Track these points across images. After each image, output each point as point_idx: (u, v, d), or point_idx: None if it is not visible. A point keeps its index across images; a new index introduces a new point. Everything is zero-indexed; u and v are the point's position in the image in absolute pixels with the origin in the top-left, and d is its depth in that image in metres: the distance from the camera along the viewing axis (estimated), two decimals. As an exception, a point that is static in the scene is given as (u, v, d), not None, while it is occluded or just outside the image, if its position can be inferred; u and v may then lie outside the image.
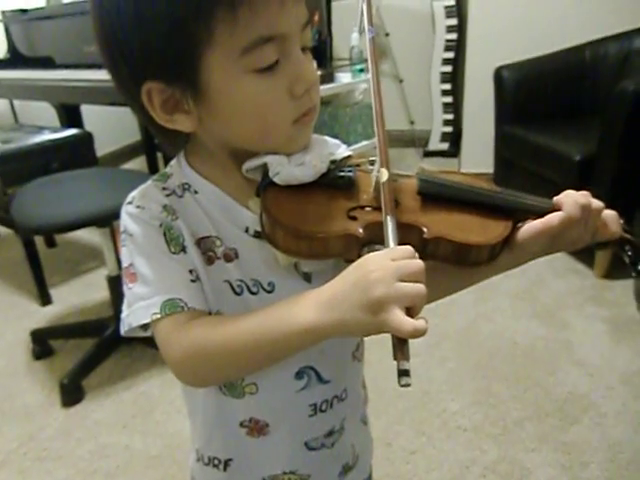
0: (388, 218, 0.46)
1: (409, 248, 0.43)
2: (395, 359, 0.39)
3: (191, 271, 0.51)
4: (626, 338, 1.74)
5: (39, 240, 2.42)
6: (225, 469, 0.61)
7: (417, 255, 0.43)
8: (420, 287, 0.41)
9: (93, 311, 2.06)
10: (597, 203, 0.51)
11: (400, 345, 0.40)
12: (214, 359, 0.48)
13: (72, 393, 1.62)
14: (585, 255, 2.15)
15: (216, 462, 0.61)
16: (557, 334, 1.78)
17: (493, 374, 1.62)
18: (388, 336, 0.41)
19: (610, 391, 1.52)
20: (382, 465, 1.32)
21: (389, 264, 0.41)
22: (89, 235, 2.54)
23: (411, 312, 0.40)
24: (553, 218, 0.49)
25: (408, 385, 0.38)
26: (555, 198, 0.52)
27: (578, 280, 2.08)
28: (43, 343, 1.84)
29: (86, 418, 1.55)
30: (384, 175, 0.48)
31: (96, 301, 2.13)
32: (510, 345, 1.74)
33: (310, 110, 0.50)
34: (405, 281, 0.40)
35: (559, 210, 0.50)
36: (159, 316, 0.48)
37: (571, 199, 0.50)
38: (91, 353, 1.70)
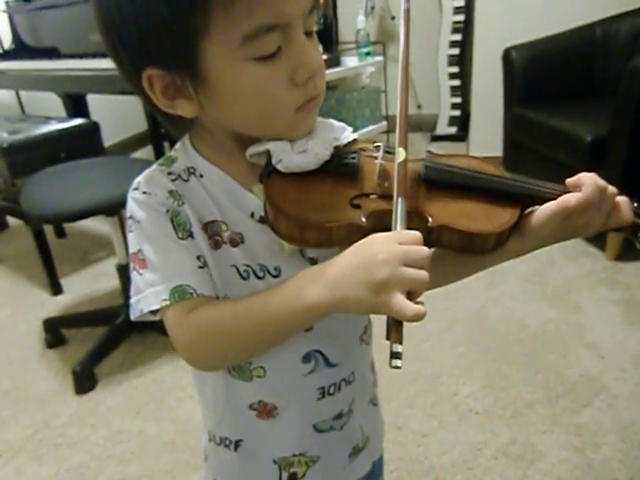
0: (399, 200, 0.45)
1: (417, 234, 0.43)
2: (388, 339, 0.40)
3: (199, 257, 0.51)
4: (638, 320, 1.72)
5: (49, 230, 2.43)
6: (236, 449, 0.62)
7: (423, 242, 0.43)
8: (423, 274, 0.41)
9: (104, 300, 2.08)
10: (611, 187, 0.50)
11: (396, 327, 0.40)
12: (221, 340, 0.49)
13: (85, 381, 1.63)
14: (596, 237, 2.12)
15: (227, 442, 0.62)
16: (568, 317, 1.77)
17: (504, 357, 1.61)
18: None
19: (622, 373, 1.51)
20: (394, 448, 1.32)
21: (396, 247, 0.42)
22: (98, 225, 2.55)
23: (411, 296, 0.41)
24: (570, 199, 0.48)
25: (398, 367, 0.39)
26: (569, 180, 0.50)
27: (589, 262, 2.06)
28: (55, 332, 1.86)
29: (99, 405, 1.57)
30: (401, 155, 0.47)
31: (106, 290, 2.14)
32: (521, 328, 1.73)
33: (315, 97, 0.50)
34: (409, 266, 0.41)
35: (571, 193, 0.49)
36: (168, 302, 0.49)
37: (591, 180, 0.49)
38: (103, 341, 1.71)
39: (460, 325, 1.77)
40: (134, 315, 0.51)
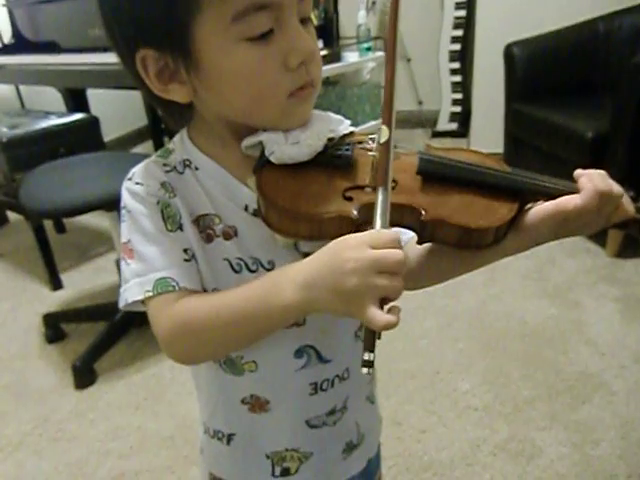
0: (380, 191, 0.43)
1: (393, 235, 0.41)
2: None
3: (186, 250, 0.51)
4: (638, 317, 1.72)
5: (49, 226, 2.43)
6: (228, 443, 0.62)
7: (401, 243, 0.42)
8: (395, 283, 0.39)
9: (104, 295, 2.08)
10: (617, 189, 0.48)
11: (368, 336, 0.40)
12: (200, 333, 0.49)
13: (85, 376, 1.63)
14: (597, 234, 2.11)
15: (220, 435, 0.62)
16: (568, 313, 1.77)
17: (503, 354, 1.61)
18: None
19: (622, 370, 1.51)
20: (393, 444, 1.32)
21: (366, 254, 0.40)
22: (98, 220, 2.55)
23: (385, 302, 0.40)
24: (568, 202, 0.46)
25: (368, 374, 0.39)
26: (575, 176, 0.48)
27: (589, 259, 2.06)
28: (55, 327, 1.86)
29: (99, 400, 1.57)
30: (384, 134, 0.45)
31: (106, 285, 2.14)
32: (520, 325, 1.73)
33: (307, 84, 0.49)
34: (382, 273, 0.39)
35: (575, 193, 0.47)
36: (151, 294, 0.49)
37: (592, 185, 0.46)
38: (102, 336, 1.71)
39: (460, 321, 1.77)
40: (121, 304, 0.52)
